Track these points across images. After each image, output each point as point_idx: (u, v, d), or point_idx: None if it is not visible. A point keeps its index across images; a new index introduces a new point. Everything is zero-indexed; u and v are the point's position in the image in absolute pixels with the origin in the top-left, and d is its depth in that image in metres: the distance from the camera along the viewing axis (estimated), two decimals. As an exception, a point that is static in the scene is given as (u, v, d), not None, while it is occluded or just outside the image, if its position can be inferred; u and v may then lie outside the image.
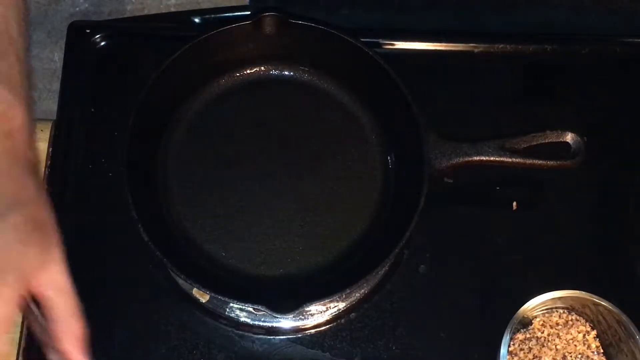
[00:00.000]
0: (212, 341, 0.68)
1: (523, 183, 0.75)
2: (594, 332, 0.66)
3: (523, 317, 0.64)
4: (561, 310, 0.66)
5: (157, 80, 0.68)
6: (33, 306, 0.52)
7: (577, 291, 0.64)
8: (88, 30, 0.78)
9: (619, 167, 0.75)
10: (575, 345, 0.65)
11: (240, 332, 0.68)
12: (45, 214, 0.53)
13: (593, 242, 0.73)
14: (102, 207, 0.72)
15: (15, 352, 0.66)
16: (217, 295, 0.64)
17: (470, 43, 0.79)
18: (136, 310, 0.69)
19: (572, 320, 0.66)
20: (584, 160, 0.67)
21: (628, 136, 0.77)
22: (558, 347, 0.65)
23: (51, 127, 0.74)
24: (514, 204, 0.73)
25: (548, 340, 0.65)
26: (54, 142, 0.73)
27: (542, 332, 0.66)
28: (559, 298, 0.65)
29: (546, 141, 0.67)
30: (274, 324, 0.68)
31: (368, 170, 0.73)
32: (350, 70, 0.73)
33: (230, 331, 0.68)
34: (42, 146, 0.73)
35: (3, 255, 0.49)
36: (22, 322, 0.67)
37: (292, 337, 0.68)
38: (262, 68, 0.76)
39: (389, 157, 0.73)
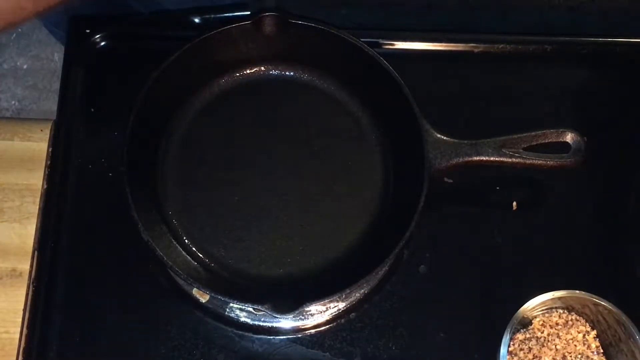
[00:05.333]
0: (212, 341, 0.68)
1: (523, 183, 0.75)
2: (594, 332, 0.66)
3: (523, 317, 0.64)
4: (561, 310, 0.66)
5: (157, 80, 0.68)
6: None
7: (577, 291, 0.64)
8: (88, 30, 0.78)
9: (619, 167, 0.75)
10: (575, 345, 0.65)
11: (240, 332, 0.68)
12: None
13: (593, 242, 0.73)
14: (102, 207, 0.72)
15: (16, 352, 0.66)
16: (217, 295, 0.64)
17: (470, 43, 0.79)
18: (136, 310, 0.69)
19: (572, 320, 0.66)
20: (584, 160, 0.67)
21: (628, 136, 0.77)
22: (558, 347, 0.65)
23: (51, 127, 0.74)
24: (514, 204, 0.73)
25: (548, 340, 0.65)
26: (54, 142, 0.73)
27: (542, 332, 0.66)
28: (559, 298, 0.65)
29: (546, 141, 0.67)
30: (274, 324, 0.68)
31: (368, 170, 0.73)
32: (350, 70, 0.73)
33: (230, 331, 0.68)
34: (42, 146, 0.73)
35: None
36: (22, 322, 0.67)
37: (292, 337, 0.68)
38: (262, 68, 0.76)
39: (389, 157, 0.73)
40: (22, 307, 0.67)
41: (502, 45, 0.79)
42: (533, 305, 0.64)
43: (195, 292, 0.69)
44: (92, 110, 0.76)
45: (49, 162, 0.73)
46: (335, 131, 0.74)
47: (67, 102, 0.75)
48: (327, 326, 0.69)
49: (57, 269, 0.69)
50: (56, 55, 1.45)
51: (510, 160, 0.67)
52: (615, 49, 0.80)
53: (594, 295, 0.64)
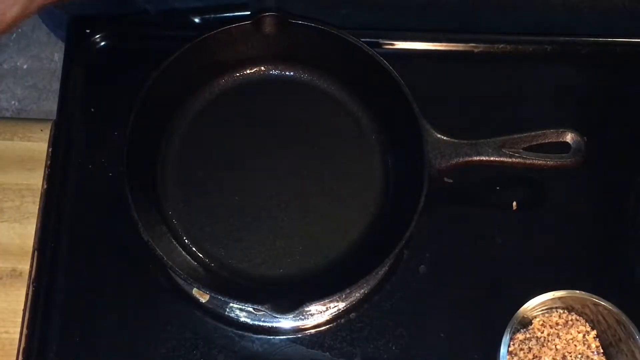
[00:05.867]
0: (212, 341, 0.68)
1: (523, 183, 0.75)
2: (594, 332, 0.66)
3: (523, 317, 0.64)
4: (561, 310, 0.66)
5: (157, 80, 0.68)
6: None
7: (577, 291, 0.64)
8: (88, 30, 0.78)
9: (619, 167, 0.75)
10: (575, 345, 0.65)
11: (240, 332, 0.68)
12: None
13: (593, 242, 0.73)
14: (102, 207, 0.72)
15: (16, 352, 0.66)
16: (217, 295, 0.64)
17: (470, 43, 0.79)
18: (136, 310, 0.69)
19: (572, 320, 0.66)
20: (584, 160, 0.67)
21: (628, 136, 0.77)
22: (558, 347, 0.65)
23: (51, 127, 0.74)
24: (514, 204, 0.73)
25: (548, 340, 0.65)
26: (54, 142, 0.73)
27: (542, 332, 0.66)
28: (559, 298, 0.65)
29: (546, 141, 0.67)
30: (274, 324, 0.68)
31: (368, 170, 0.73)
32: (350, 70, 0.73)
33: (230, 331, 0.68)
34: (42, 146, 0.73)
35: None
36: (22, 322, 0.67)
37: (292, 337, 0.68)
38: (262, 68, 0.76)
39: (389, 157, 0.73)
40: (22, 307, 0.67)
41: (502, 45, 0.79)
42: (533, 305, 0.64)
43: (195, 292, 0.69)
44: (92, 110, 0.76)
45: (49, 162, 0.73)
46: (335, 131, 0.74)
47: (67, 102, 0.75)
48: (327, 326, 0.69)
49: (57, 269, 0.69)
50: (56, 55, 1.44)
51: (510, 160, 0.67)
52: (615, 49, 0.80)
53: (594, 295, 0.64)
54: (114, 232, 0.70)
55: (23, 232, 0.70)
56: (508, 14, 0.81)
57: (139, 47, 0.79)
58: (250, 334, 0.68)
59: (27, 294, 0.68)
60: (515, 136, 0.67)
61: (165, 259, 0.63)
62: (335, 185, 0.72)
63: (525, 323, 0.66)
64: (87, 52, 0.78)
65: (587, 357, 0.65)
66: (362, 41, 0.71)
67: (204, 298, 0.68)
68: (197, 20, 0.79)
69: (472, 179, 0.73)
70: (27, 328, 0.67)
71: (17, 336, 0.66)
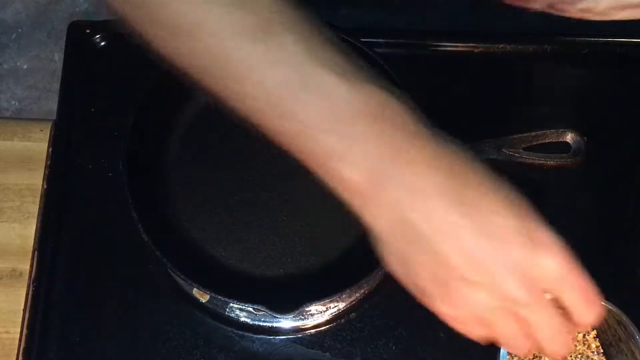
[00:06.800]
0: (212, 341, 0.68)
1: (523, 183, 0.75)
2: (594, 332, 0.66)
3: (523, 317, 0.64)
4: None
5: (158, 81, 0.68)
6: None
7: (577, 291, 0.64)
8: (88, 30, 0.78)
9: (619, 167, 0.75)
10: (575, 345, 0.65)
11: (240, 332, 0.68)
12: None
13: (593, 242, 0.73)
14: (102, 207, 0.72)
15: (16, 352, 0.66)
16: (217, 295, 0.64)
17: (470, 43, 0.79)
18: (136, 310, 0.69)
19: (572, 320, 0.66)
20: (584, 160, 0.67)
21: (628, 136, 0.76)
22: (558, 347, 0.65)
23: (51, 127, 0.74)
24: (514, 204, 0.73)
25: (548, 340, 0.65)
26: (54, 142, 0.73)
27: (542, 332, 0.65)
28: (559, 298, 0.65)
29: (546, 141, 0.68)
30: (274, 324, 0.68)
31: (368, 170, 0.72)
32: (350, 70, 0.73)
33: (230, 331, 0.68)
34: (42, 146, 0.73)
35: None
36: (22, 322, 0.67)
37: (292, 337, 0.68)
38: (262, 68, 0.75)
39: (389, 157, 0.73)
40: (22, 307, 0.67)
41: (502, 45, 0.79)
42: (533, 305, 0.64)
43: (195, 292, 0.69)
44: (92, 110, 0.76)
45: (49, 162, 0.73)
46: (335, 131, 0.74)
47: (67, 102, 0.75)
48: (327, 326, 0.69)
49: (57, 269, 0.69)
50: (56, 55, 1.45)
51: (510, 160, 0.67)
52: (615, 49, 0.80)
53: (594, 295, 0.64)
54: (114, 232, 0.70)
55: (23, 232, 0.70)
56: (508, 14, 0.81)
57: (139, 47, 0.79)
58: (250, 334, 0.68)
59: (27, 294, 0.68)
60: (515, 136, 0.67)
61: (165, 259, 0.63)
62: (335, 185, 0.72)
63: (525, 323, 0.66)
64: (87, 52, 0.78)
65: (587, 357, 0.65)
66: (362, 41, 0.71)
67: (204, 298, 0.68)
68: (197, 20, 0.79)
69: (472, 179, 0.72)
70: (27, 328, 0.67)
71: (17, 336, 0.66)
